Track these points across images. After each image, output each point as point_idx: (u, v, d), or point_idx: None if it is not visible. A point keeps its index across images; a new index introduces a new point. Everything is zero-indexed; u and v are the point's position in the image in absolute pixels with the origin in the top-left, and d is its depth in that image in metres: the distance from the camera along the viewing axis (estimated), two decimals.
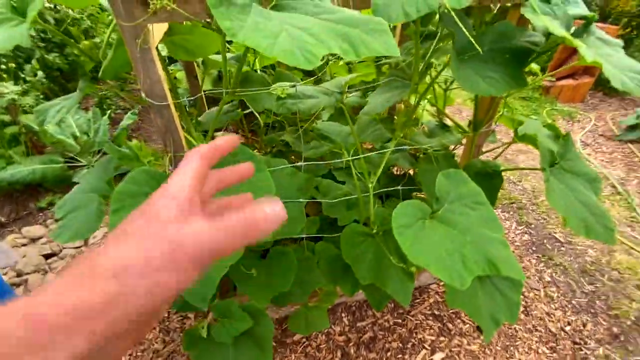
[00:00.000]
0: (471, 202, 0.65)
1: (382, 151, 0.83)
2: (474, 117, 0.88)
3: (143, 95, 0.59)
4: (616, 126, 2.93)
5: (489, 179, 0.84)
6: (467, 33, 0.53)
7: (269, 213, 0.24)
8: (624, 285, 1.55)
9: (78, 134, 1.95)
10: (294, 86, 0.74)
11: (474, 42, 0.53)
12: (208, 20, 0.54)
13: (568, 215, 0.63)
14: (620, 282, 1.57)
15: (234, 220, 0.23)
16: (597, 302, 1.47)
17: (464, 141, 1.02)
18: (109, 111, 2.10)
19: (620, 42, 0.61)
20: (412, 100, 0.87)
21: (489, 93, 0.58)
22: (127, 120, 2.01)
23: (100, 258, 0.20)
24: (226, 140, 0.29)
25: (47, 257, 1.57)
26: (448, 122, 1.07)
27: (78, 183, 1.85)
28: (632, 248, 1.79)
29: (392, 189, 0.92)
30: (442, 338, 1.22)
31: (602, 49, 0.58)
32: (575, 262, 1.67)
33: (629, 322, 1.39)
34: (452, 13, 0.48)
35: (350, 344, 1.17)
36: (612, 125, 2.95)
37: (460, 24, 0.53)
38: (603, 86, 3.47)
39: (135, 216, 0.23)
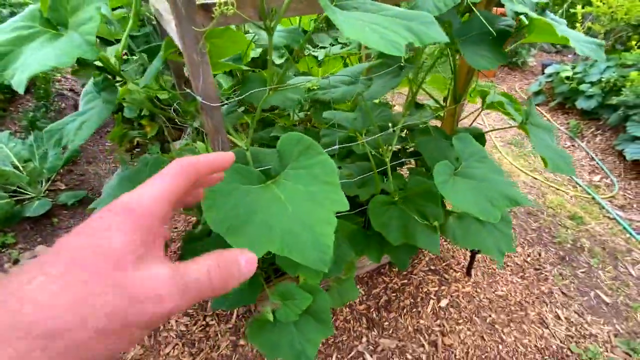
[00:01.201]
0: (479, 157, 0.80)
1: (385, 132, 0.95)
2: (454, 92, 1.04)
3: (199, 98, 0.60)
4: (524, 93, 3.51)
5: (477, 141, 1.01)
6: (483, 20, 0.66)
7: (243, 269, 0.21)
8: (559, 218, 1.93)
9: (18, 163, 1.71)
10: (326, 77, 0.81)
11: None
12: (258, 22, 0.59)
13: (547, 158, 0.82)
14: (555, 216, 1.95)
15: (203, 274, 0.20)
16: (544, 234, 1.82)
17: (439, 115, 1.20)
18: None
19: (563, 20, 0.82)
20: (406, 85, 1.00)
21: (486, 67, 0.73)
22: None
23: (25, 307, 0.15)
24: (221, 157, 0.26)
25: None
26: (422, 101, 1.23)
27: (31, 217, 1.64)
28: (558, 189, 2.22)
29: (398, 161, 1.05)
30: (442, 287, 1.41)
31: (559, 27, 0.77)
32: (520, 207, 2.02)
33: (569, 246, 1.75)
34: (473, 7, 0.60)
35: (372, 310, 1.28)
36: (522, 93, 3.54)
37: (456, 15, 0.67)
38: (507, 62, 4.09)
39: (79, 230, 0.18)
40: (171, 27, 0.64)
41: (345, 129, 0.98)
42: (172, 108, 1.09)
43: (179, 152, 0.60)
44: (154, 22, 1.94)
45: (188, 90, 0.63)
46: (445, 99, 1.17)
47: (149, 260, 0.19)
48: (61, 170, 2.05)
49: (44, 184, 1.79)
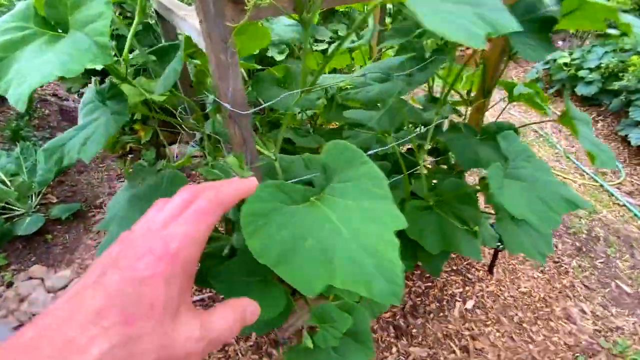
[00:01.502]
0: (526, 156, 0.73)
1: (414, 132, 0.88)
2: (483, 85, 0.98)
3: (227, 105, 0.52)
4: (522, 81, 3.49)
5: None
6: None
7: (249, 318, 0.23)
8: None
9: (4, 177, 1.59)
10: (363, 75, 0.73)
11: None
12: (292, 13, 0.51)
13: (594, 154, 0.76)
14: None
15: (222, 329, 0.21)
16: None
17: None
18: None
19: None
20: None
21: (535, 58, 0.66)
22: None
23: (79, 336, 0.16)
24: (245, 185, 0.26)
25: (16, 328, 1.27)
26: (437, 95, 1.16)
27: (21, 236, 1.52)
28: (565, 177, 2.20)
29: (440, 158, 0.98)
30: (467, 288, 1.36)
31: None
32: None
33: (584, 236, 1.72)
34: None
35: (397, 317, 1.23)
36: (519, 81, 3.51)
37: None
38: None
39: (122, 261, 0.18)
40: (188, 23, 0.55)
41: (369, 128, 0.90)
42: (175, 113, 0.99)
43: (206, 170, 0.51)
44: (149, 21, 1.81)
45: (212, 96, 0.54)
46: (468, 93, 1.10)
47: (182, 311, 0.19)
48: (51, 182, 1.92)
49: (34, 199, 1.67)
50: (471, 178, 2.00)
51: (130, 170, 0.91)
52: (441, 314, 1.26)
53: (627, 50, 2.75)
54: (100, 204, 1.97)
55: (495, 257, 1.39)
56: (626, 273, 1.55)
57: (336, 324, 0.72)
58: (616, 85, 2.48)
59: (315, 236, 0.47)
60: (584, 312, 1.37)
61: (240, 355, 1.12)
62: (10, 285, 1.43)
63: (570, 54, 3.10)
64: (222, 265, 0.73)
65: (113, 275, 0.18)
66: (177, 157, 2.32)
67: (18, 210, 1.59)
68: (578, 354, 1.21)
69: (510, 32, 0.45)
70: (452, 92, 1.08)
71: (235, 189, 0.25)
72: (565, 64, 3.02)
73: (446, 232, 0.83)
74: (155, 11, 0.83)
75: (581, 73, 2.85)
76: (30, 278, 1.46)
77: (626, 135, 2.31)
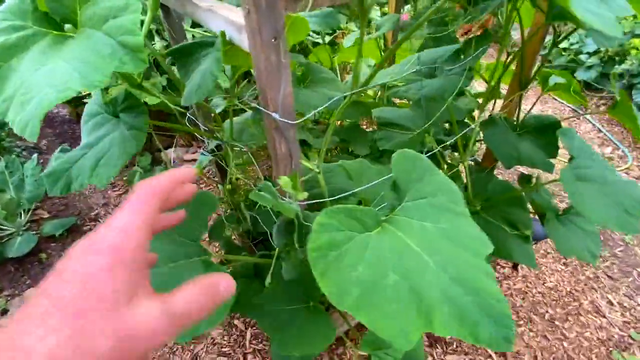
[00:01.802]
0: (588, 154, 0.67)
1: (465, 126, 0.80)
2: (520, 76, 0.91)
3: (276, 115, 0.43)
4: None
5: (548, 131, 0.89)
6: None
7: (223, 292, 0.22)
8: None
9: None
10: (417, 70, 0.64)
11: None
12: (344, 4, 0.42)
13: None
14: None
15: (187, 304, 0.20)
16: None
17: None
18: (35, 155, 1.60)
19: None
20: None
21: (608, 45, 0.59)
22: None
23: (25, 339, 0.16)
24: (183, 173, 0.26)
25: None
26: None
27: (13, 258, 1.39)
28: None
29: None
30: None
31: None
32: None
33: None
34: None
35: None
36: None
37: None
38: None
39: (70, 279, 0.18)
40: (218, 16, 0.46)
41: (403, 128, 0.82)
42: (178, 116, 0.89)
43: (255, 195, 0.42)
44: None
45: (254, 104, 0.45)
46: (497, 84, 1.03)
47: (139, 296, 0.19)
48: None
49: (23, 216, 1.54)
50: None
51: (125, 178, 0.81)
52: None
53: (625, 33, 2.74)
54: (96, 217, 1.84)
55: None
56: None
57: (390, 350, 0.64)
58: (619, 68, 2.46)
59: (397, 270, 0.39)
60: (611, 303, 1.34)
61: None
62: (4, 312, 1.31)
63: (566, 38, 3.07)
64: (258, 296, 0.64)
65: (56, 278, 0.18)
66: (173, 162, 2.20)
67: (7, 230, 1.46)
68: (612, 349, 1.18)
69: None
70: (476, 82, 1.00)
71: (170, 176, 0.25)
72: (564, 49, 2.99)
73: (497, 239, 0.76)
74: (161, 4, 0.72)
75: (581, 58, 2.83)
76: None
77: None
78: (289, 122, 0.44)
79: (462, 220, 0.44)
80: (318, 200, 0.54)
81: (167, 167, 2.21)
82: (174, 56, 0.54)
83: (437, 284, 0.38)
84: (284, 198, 0.49)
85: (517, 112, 0.96)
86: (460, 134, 0.72)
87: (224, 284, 0.23)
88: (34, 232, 1.53)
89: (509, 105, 0.99)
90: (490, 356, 1.11)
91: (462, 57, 0.80)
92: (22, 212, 1.52)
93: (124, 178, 2.14)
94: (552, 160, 0.84)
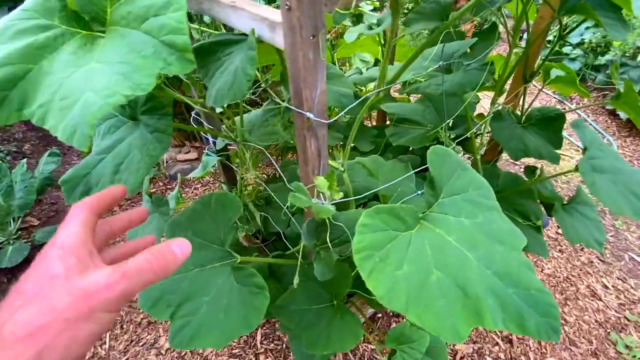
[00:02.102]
0: (599, 145, 0.69)
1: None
2: (525, 69, 0.92)
3: (310, 115, 0.42)
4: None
5: (553, 122, 0.91)
6: None
7: (177, 254, 0.26)
8: (573, 184, 1.95)
9: None
10: (438, 67, 0.64)
11: None
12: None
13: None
14: (569, 182, 1.97)
15: (141, 262, 0.24)
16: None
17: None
18: (24, 160, 1.52)
19: None
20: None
21: (619, 38, 0.60)
22: (48, 164, 1.49)
23: (7, 326, 0.20)
24: (110, 190, 0.30)
25: None
26: None
27: (5, 269, 1.33)
28: (562, 154, 2.24)
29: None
30: None
31: None
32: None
33: None
34: None
35: None
36: None
37: None
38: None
39: (28, 276, 0.23)
40: (246, 14, 0.44)
41: (414, 123, 0.83)
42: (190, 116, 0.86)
43: (293, 197, 0.41)
44: None
45: (284, 104, 0.44)
46: (499, 77, 1.04)
47: (90, 269, 0.23)
48: None
49: (12, 224, 1.47)
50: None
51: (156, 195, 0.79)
52: None
53: None
54: None
55: None
56: (636, 244, 1.60)
57: (416, 344, 0.65)
58: (602, 60, 2.54)
59: (440, 267, 0.39)
60: (606, 287, 1.39)
61: None
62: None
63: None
64: (281, 297, 0.64)
65: (23, 277, 0.23)
66: (166, 163, 2.14)
67: None
68: (609, 330, 1.23)
69: None
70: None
71: (108, 190, 0.30)
72: (548, 41, 3.06)
73: None
74: None
75: (565, 49, 2.90)
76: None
77: (614, 109, 2.38)
78: (323, 121, 0.43)
79: (495, 215, 0.45)
80: (346, 199, 0.53)
81: (161, 168, 2.16)
82: (195, 54, 0.52)
83: (480, 279, 0.38)
84: (315, 199, 0.48)
85: (522, 106, 0.98)
86: (475, 127, 0.73)
87: (176, 244, 0.26)
88: (25, 241, 1.47)
89: (513, 99, 1.01)
90: (497, 343, 1.14)
91: (469, 51, 0.81)
92: (11, 220, 1.45)
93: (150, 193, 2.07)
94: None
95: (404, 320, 0.66)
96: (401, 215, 0.40)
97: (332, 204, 0.49)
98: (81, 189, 0.49)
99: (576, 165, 0.64)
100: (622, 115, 2.29)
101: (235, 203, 0.55)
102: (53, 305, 0.21)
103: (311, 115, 0.42)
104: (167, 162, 2.13)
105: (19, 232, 1.50)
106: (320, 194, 0.45)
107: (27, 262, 1.43)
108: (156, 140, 0.46)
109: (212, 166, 0.97)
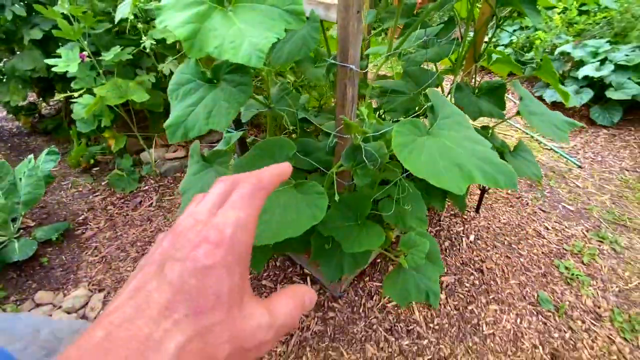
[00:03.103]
0: (530, 97, 0.98)
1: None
2: (475, 51, 1.21)
3: (352, 67, 0.63)
4: None
5: (496, 91, 1.21)
6: None
7: (307, 305, 0.23)
8: None
9: None
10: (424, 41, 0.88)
11: None
12: None
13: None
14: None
15: (287, 318, 0.21)
16: None
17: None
18: (30, 155, 1.53)
19: None
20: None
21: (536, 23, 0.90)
22: (47, 162, 1.53)
23: (153, 330, 0.16)
24: (282, 167, 0.25)
25: None
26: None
27: (14, 263, 1.36)
28: (505, 134, 2.66)
29: None
30: (466, 226, 1.64)
31: None
32: None
33: None
34: None
35: None
36: None
37: None
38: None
39: (178, 255, 0.18)
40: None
41: (400, 93, 1.07)
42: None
43: (345, 120, 0.61)
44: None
45: (332, 60, 0.65)
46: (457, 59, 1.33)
47: (246, 300, 0.19)
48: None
49: (12, 224, 1.48)
50: None
51: (105, 182, 0.93)
52: (454, 248, 1.51)
53: (529, 27, 3.40)
54: (85, 220, 1.81)
55: (481, 198, 1.69)
56: (567, 197, 2.00)
57: (419, 248, 0.88)
58: (528, 56, 3.06)
59: (443, 157, 0.62)
60: (547, 228, 1.75)
61: (301, 316, 1.21)
62: None
63: None
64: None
65: (174, 267, 0.17)
66: (156, 162, 2.20)
67: (1, 237, 1.41)
68: (553, 258, 1.57)
69: None
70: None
71: (272, 172, 0.24)
72: (486, 42, 3.58)
73: None
74: None
75: (498, 49, 3.42)
76: (38, 305, 1.33)
77: (541, 95, 2.88)
78: (360, 70, 0.65)
79: (470, 130, 0.69)
80: (376, 133, 0.75)
81: (152, 167, 2.21)
82: None
83: (469, 162, 0.61)
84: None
85: (474, 80, 1.28)
86: (447, 95, 0.99)
87: (309, 296, 0.23)
88: (28, 238, 1.49)
89: (467, 75, 1.30)
90: (472, 274, 1.41)
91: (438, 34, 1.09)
92: (11, 221, 1.47)
93: (104, 182, 2.10)
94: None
95: (399, 260, 0.87)
96: (418, 126, 0.63)
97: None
98: (181, 131, 0.65)
99: (517, 110, 0.91)
100: (547, 99, 2.79)
101: (289, 143, 0.74)
102: (214, 352, 0.17)
103: (353, 67, 0.63)
104: (156, 161, 2.20)
105: (20, 231, 1.52)
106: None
107: (32, 258, 1.45)
108: (241, 92, 0.65)
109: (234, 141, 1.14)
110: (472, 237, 1.59)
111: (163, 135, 2.31)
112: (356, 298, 1.25)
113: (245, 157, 0.77)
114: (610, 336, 1.26)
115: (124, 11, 0.79)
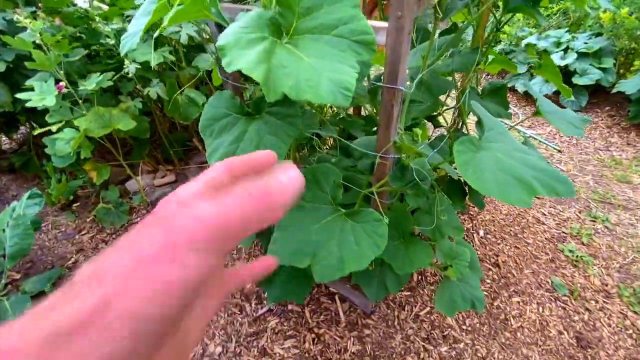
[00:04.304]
0: (540, 95, 1.01)
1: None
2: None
3: (402, 87, 0.61)
4: None
5: (499, 92, 1.24)
6: None
7: (284, 181, 0.22)
8: None
9: None
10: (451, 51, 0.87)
11: None
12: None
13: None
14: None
15: (241, 193, 0.20)
16: None
17: None
18: (13, 202, 1.36)
19: None
20: None
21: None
22: (30, 207, 1.38)
23: (96, 267, 0.18)
24: (262, 154, 0.25)
25: None
26: None
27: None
28: None
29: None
30: (474, 222, 1.68)
31: None
32: None
33: None
34: None
35: None
36: None
37: None
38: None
39: (132, 231, 0.19)
40: None
41: (416, 102, 1.08)
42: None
43: (399, 139, 0.59)
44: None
45: (380, 84, 0.63)
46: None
47: (190, 206, 0.20)
48: None
49: None
50: None
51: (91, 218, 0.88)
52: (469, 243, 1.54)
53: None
54: (75, 264, 1.66)
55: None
56: None
57: (461, 257, 0.88)
58: (496, 49, 3.21)
59: (501, 169, 0.62)
60: (544, 214, 1.84)
61: (337, 338, 1.18)
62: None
63: None
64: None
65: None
66: (145, 190, 2.07)
67: None
68: (557, 242, 1.65)
69: None
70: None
71: (260, 154, 0.24)
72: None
73: None
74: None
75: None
76: None
77: (513, 86, 3.03)
78: (406, 90, 0.63)
79: (514, 139, 0.70)
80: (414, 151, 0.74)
81: (142, 196, 2.07)
82: None
83: (525, 173, 0.62)
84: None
85: (477, 83, 1.31)
86: (462, 101, 1.00)
87: (287, 173, 0.22)
88: (18, 294, 1.33)
89: (464, 77, 1.33)
90: (489, 268, 1.45)
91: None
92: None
93: (89, 218, 1.94)
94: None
95: (444, 273, 0.87)
96: (474, 142, 0.62)
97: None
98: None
99: (537, 109, 0.94)
100: (520, 89, 2.94)
101: (334, 170, 0.71)
102: (140, 249, 0.18)
103: (402, 88, 0.62)
104: (144, 189, 2.06)
105: (8, 286, 1.36)
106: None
107: None
108: (290, 124, 0.61)
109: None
110: (482, 233, 1.64)
111: (148, 162, 2.18)
112: (388, 311, 1.23)
113: None
114: (622, 311, 1.34)
115: (132, 42, 0.72)
